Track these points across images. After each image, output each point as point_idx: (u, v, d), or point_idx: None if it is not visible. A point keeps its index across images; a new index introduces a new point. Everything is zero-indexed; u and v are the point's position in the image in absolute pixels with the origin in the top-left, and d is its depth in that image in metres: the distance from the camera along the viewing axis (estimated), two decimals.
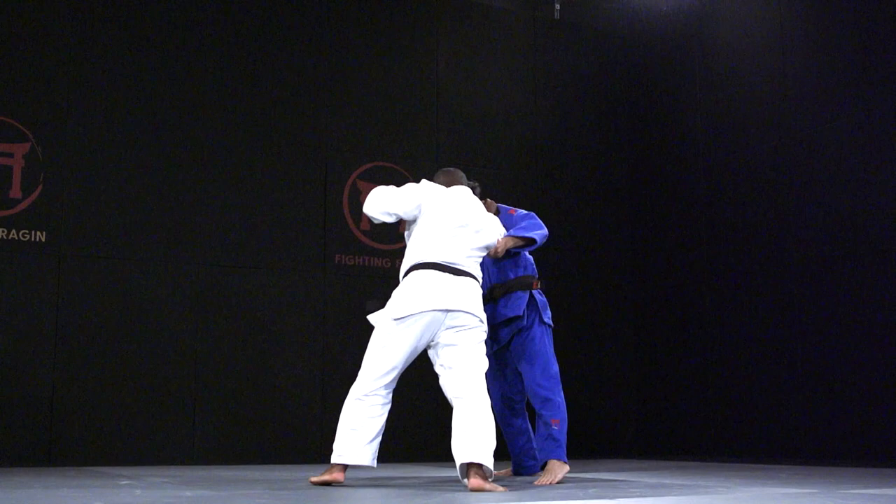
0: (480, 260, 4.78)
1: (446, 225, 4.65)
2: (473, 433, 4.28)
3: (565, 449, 5.02)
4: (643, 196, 8.80)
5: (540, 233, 5.16)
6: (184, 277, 7.07)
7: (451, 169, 5.04)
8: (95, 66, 7.05)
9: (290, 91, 7.64)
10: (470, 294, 4.54)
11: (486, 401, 4.40)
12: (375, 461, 4.58)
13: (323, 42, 7.80)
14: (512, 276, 5.27)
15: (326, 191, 7.63)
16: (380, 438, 4.58)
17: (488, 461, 4.25)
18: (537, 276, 5.37)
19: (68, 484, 4.58)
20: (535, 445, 5.24)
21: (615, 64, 9.04)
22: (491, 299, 5.24)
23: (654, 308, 8.52)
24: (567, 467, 4.99)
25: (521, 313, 5.18)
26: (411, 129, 8.07)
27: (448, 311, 4.47)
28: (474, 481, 4.18)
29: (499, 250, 4.92)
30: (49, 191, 6.79)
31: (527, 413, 5.39)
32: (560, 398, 5.12)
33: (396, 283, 7.31)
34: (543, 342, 5.21)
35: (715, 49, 8.34)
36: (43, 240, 6.73)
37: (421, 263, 4.60)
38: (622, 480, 5.03)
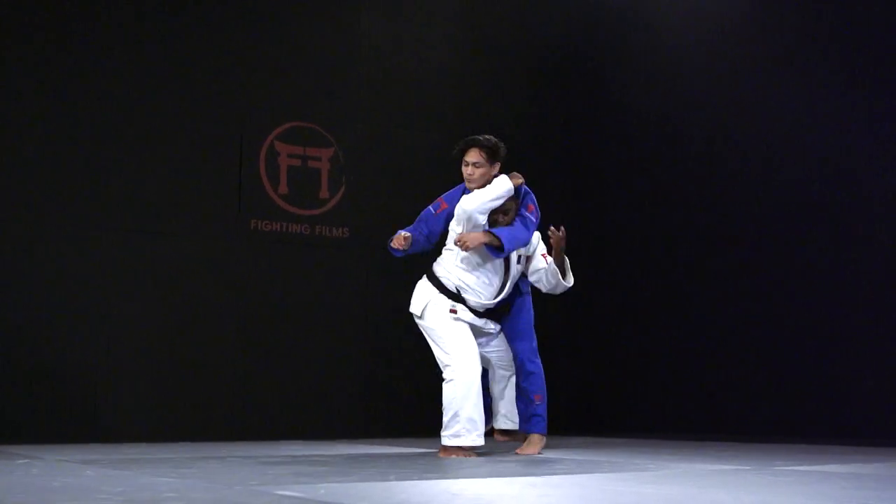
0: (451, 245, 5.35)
1: None
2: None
3: (546, 423, 5.44)
4: (577, 162, 8.83)
5: (515, 238, 5.19)
6: (91, 244, 6.89)
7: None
8: None
9: (204, 46, 7.46)
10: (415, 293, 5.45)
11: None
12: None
13: None
14: None
15: (242, 152, 7.49)
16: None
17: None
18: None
19: None
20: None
21: (550, 26, 9.01)
22: None
23: (592, 281, 8.56)
24: (545, 440, 5.44)
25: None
26: (333, 88, 7.95)
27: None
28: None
29: (467, 244, 5.16)
30: None
31: None
32: (541, 371, 5.51)
33: (317, 250, 7.28)
34: (530, 314, 5.60)
35: (654, 13, 8.37)
36: None
37: None
38: (552, 458, 5.07)
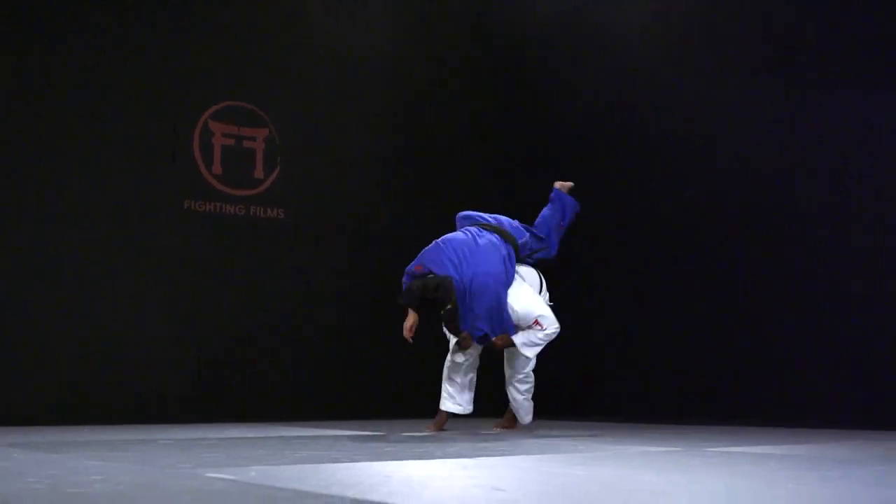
0: None
1: None
2: None
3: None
4: (520, 147, 8.90)
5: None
6: (19, 225, 6.81)
7: None
8: None
9: (136, 22, 7.38)
10: None
11: None
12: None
13: None
14: None
15: (176, 131, 7.45)
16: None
17: None
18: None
19: None
20: None
21: (493, 13, 9.05)
22: None
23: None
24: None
25: None
26: (269, 67, 7.92)
27: None
28: None
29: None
30: None
31: None
32: None
33: (251, 232, 7.28)
34: None
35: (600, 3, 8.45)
36: None
37: None
38: (485, 441, 5.14)
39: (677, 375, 7.58)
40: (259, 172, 7.73)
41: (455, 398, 6.01)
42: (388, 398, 8.08)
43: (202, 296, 7.45)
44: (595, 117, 8.40)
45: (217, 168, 7.55)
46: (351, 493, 2.75)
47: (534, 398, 6.08)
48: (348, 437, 5.53)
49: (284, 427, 6.51)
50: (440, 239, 6.00)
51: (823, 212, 6.79)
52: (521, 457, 4.09)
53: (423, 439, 5.24)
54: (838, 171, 6.73)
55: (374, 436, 5.60)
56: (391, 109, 8.49)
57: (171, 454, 4.19)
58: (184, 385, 7.31)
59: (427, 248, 5.97)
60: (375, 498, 2.65)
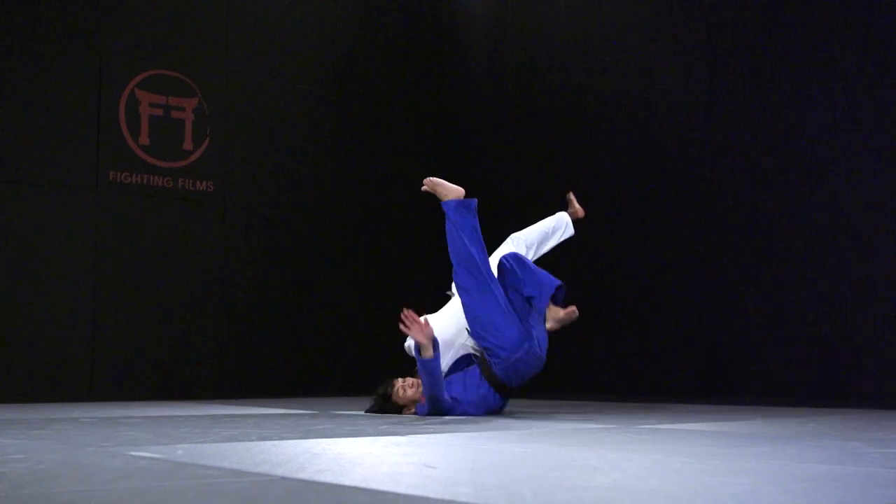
0: None
1: None
2: None
3: None
4: (450, 110, 8.89)
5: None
6: None
7: None
8: None
9: None
10: None
11: None
12: None
13: None
14: None
15: (101, 100, 7.30)
16: None
17: None
18: None
19: None
20: None
21: None
22: None
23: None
24: None
25: None
26: (199, 34, 7.80)
27: None
28: None
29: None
30: None
31: None
32: None
33: (179, 205, 7.21)
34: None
35: None
36: None
37: None
38: (419, 419, 5.13)
39: (661, 354, 7.41)
40: (188, 144, 7.62)
41: None
42: (321, 375, 8.05)
43: (128, 270, 7.33)
44: (528, 84, 8.41)
45: (144, 139, 7.41)
46: (280, 472, 2.71)
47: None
48: (279, 415, 5.49)
49: (214, 405, 6.45)
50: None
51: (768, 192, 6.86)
52: (454, 434, 4.08)
53: (355, 417, 5.22)
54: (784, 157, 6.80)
55: (305, 414, 5.56)
56: (323, 78, 8.40)
57: (93, 433, 4.11)
58: (108, 363, 7.20)
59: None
60: (304, 476, 2.63)
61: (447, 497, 2.24)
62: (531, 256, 5.69)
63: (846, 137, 6.43)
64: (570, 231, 5.95)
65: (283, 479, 2.58)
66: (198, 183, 7.63)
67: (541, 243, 5.84)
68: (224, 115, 7.80)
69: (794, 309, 6.64)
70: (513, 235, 5.83)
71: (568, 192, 6.09)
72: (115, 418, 5.03)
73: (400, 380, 5.40)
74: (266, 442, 3.67)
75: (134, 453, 3.21)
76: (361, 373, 8.03)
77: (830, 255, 6.47)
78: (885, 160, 6.28)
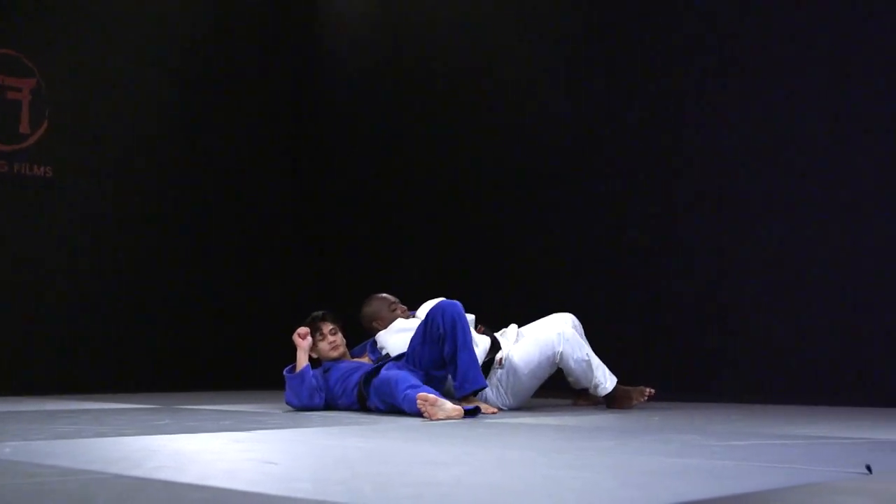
0: None
1: None
2: None
3: None
4: (303, 110, 8.85)
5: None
6: None
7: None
8: None
9: None
10: None
11: None
12: None
13: None
14: None
15: None
16: None
17: None
18: None
19: None
20: None
21: None
22: None
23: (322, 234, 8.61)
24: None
25: None
26: (37, 11, 7.56)
27: None
28: None
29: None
30: None
31: None
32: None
33: (16, 190, 7.08)
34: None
35: None
36: None
37: None
38: (263, 415, 5.12)
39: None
40: (25, 126, 7.39)
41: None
42: (168, 369, 7.93)
43: None
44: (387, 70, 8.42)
45: None
46: (114, 469, 2.68)
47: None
48: (119, 409, 5.39)
49: (49, 400, 6.29)
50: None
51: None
52: (295, 430, 4.08)
53: (197, 412, 5.16)
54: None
55: (146, 409, 5.48)
56: (169, 59, 8.25)
57: None
58: None
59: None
60: (140, 473, 2.60)
61: (285, 493, 2.25)
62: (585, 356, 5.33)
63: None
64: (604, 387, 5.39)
65: (117, 476, 2.54)
66: (35, 167, 7.41)
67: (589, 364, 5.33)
68: (64, 96, 7.59)
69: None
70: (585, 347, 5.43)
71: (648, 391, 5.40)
72: None
73: (329, 325, 5.29)
74: (102, 438, 3.61)
75: None
76: (211, 365, 7.95)
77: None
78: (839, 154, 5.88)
